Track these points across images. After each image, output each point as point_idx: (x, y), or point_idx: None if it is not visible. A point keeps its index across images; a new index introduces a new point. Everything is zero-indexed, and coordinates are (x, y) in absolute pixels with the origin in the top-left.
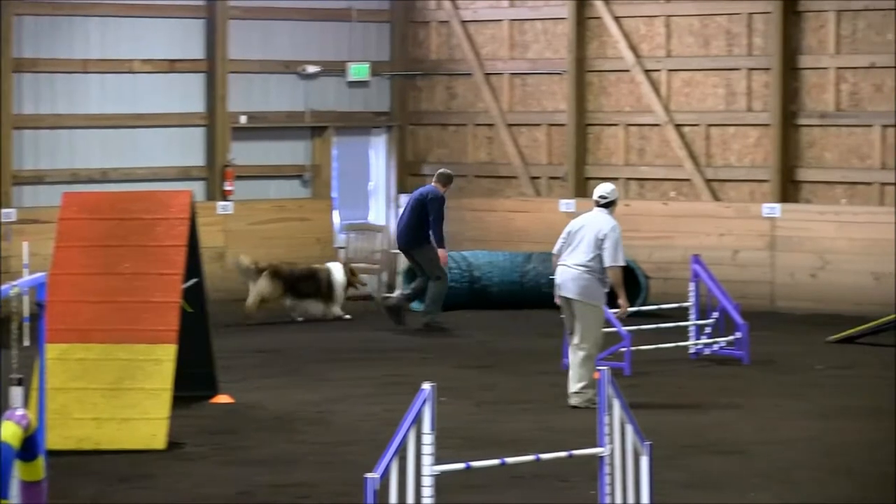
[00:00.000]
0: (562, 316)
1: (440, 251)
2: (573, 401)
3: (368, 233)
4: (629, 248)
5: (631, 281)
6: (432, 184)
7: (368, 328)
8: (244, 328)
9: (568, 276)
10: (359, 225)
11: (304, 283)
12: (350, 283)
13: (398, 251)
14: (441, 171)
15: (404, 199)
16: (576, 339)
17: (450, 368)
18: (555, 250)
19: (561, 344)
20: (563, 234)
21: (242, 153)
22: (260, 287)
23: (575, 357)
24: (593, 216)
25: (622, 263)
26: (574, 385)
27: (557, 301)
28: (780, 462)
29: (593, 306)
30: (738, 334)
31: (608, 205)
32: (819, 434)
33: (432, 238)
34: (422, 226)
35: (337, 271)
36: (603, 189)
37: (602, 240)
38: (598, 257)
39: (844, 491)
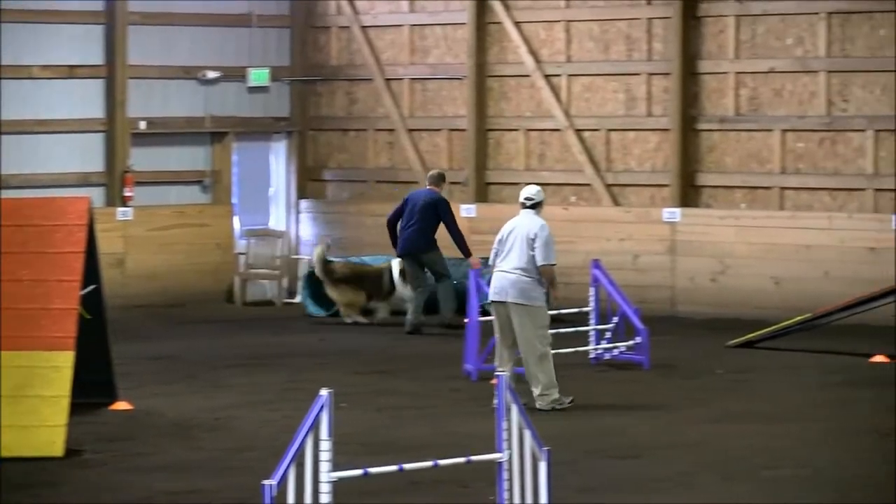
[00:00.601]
0: (492, 320)
1: (471, 259)
2: (539, 404)
3: (269, 238)
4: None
5: None
6: (428, 188)
7: (268, 333)
8: (142, 335)
9: (506, 281)
10: (259, 231)
11: (376, 285)
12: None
13: (400, 256)
14: (433, 172)
15: (305, 205)
16: (522, 344)
17: (350, 374)
18: (490, 261)
19: (462, 349)
20: (496, 242)
21: (142, 159)
22: (348, 298)
23: (528, 363)
24: (521, 219)
25: (553, 261)
26: (536, 391)
27: (490, 306)
28: (679, 466)
29: (536, 307)
30: (639, 339)
31: (535, 206)
32: (718, 438)
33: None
34: (432, 230)
35: (396, 269)
36: (529, 191)
37: (533, 240)
38: (532, 259)
39: (744, 495)
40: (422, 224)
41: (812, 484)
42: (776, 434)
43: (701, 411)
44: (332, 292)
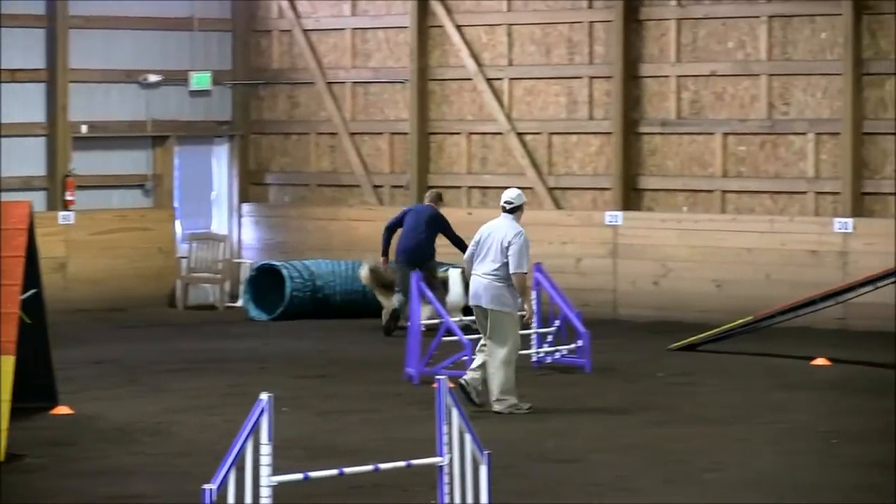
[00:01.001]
0: (474, 323)
1: None
2: (496, 407)
3: (211, 242)
4: None
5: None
6: (427, 203)
7: (210, 337)
8: (83, 340)
9: (480, 285)
10: (201, 234)
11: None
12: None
13: (400, 263)
14: (433, 191)
15: (247, 208)
16: (490, 346)
17: (291, 378)
18: (465, 257)
19: (404, 353)
20: (473, 243)
21: (84, 163)
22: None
23: (491, 364)
24: (499, 223)
25: (525, 270)
26: (494, 393)
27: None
28: (620, 470)
29: (506, 313)
30: (580, 342)
31: (514, 210)
32: (660, 441)
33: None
34: (433, 242)
35: (457, 279)
36: (508, 195)
37: (507, 247)
38: (505, 265)
39: (685, 498)
40: (428, 235)
41: (753, 487)
42: (718, 437)
43: (642, 415)
44: (383, 299)
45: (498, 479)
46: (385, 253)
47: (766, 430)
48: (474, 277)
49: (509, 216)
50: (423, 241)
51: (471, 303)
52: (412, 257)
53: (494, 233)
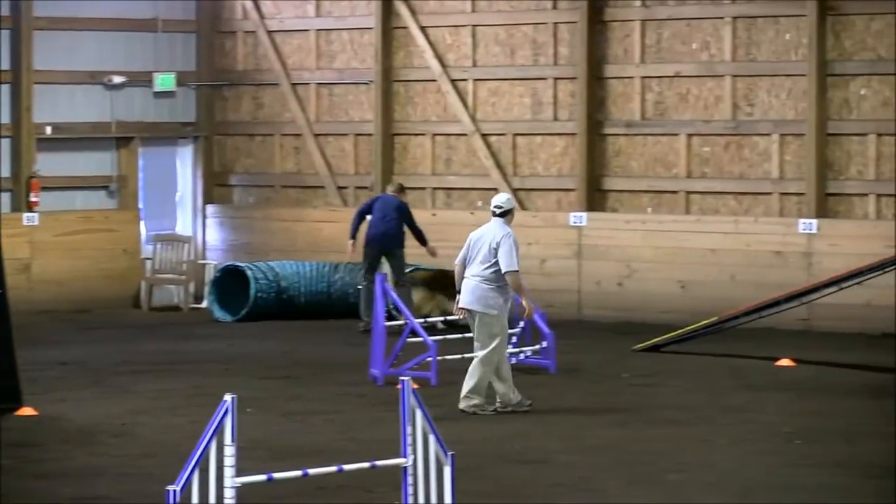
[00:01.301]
0: (465, 323)
1: (429, 246)
2: (461, 405)
3: (175, 243)
4: (439, 258)
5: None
6: (391, 193)
7: (174, 339)
8: (48, 341)
9: (467, 287)
10: (166, 236)
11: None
12: None
13: (369, 249)
14: (396, 183)
15: (212, 210)
16: (475, 345)
17: (255, 379)
18: (457, 261)
19: (368, 354)
20: (465, 246)
21: (48, 164)
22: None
23: (473, 364)
24: (489, 227)
25: (516, 268)
26: (463, 390)
27: (458, 313)
28: (583, 471)
29: (491, 315)
30: (545, 343)
31: (504, 214)
32: (623, 442)
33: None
34: (402, 230)
35: None
36: (498, 199)
37: (496, 248)
38: (494, 266)
39: (648, 498)
40: (398, 222)
41: (717, 487)
42: (681, 437)
43: (606, 415)
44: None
45: (462, 481)
46: (353, 236)
47: (729, 430)
48: (464, 280)
49: (499, 220)
50: (392, 228)
51: (460, 306)
52: (382, 243)
53: (485, 236)
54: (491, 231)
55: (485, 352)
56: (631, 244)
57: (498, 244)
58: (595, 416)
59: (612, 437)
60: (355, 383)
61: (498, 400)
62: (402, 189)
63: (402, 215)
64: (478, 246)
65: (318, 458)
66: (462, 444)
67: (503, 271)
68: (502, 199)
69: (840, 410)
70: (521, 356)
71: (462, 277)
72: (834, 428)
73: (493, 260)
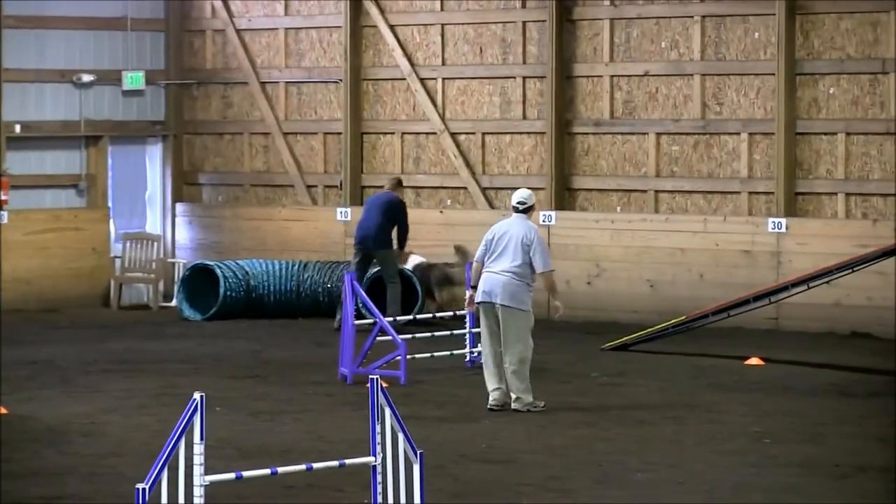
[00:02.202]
0: (479, 323)
1: (405, 251)
2: (514, 406)
3: (145, 242)
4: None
5: (408, 290)
6: (387, 190)
7: (143, 338)
8: (16, 340)
9: (497, 282)
10: (135, 234)
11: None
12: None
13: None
14: (393, 177)
15: (181, 209)
16: (507, 344)
17: (223, 379)
18: (476, 258)
19: (337, 353)
20: (484, 242)
21: (17, 163)
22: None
23: (508, 363)
24: (514, 222)
25: (553, 268)
26: (512, 391)
27: (470, 308)
28: (552, 470)
29: (523, 311)
30: None
31: (527, 210)
32: (592, 441)
33: (395, 242)
34: (390, 229)
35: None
36: (521, 195)
37: (529, 245)
38: (526, 263)
39: (616, 498)
40: (380, 223)
41: (685, 487)
42: (649, 437)
43: (575, 415)
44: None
45: (430, 480)
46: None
47: (698, 430)
48: (488, 275)
49: (522, 216)
50: (371, 230)
51: (481, 300)
52: (365, 245)
53: (511, 230)
54: (517, 227)
55: (522, 348)
56: (600, 243)
57: (531, 241)
58: (563, 415)
59: (580, 436)
60: (324, 382)
61: (496, 397)
62: (397, 184)
63: (389, 213)
64: (503, 242)
65: (286, 457)
66: (428, 443)
67: (539, 271)
68: (525, 194)
69: (808, 410)
70: None
71: (479, 274)
72: (803, 428)
73: (525, 257)
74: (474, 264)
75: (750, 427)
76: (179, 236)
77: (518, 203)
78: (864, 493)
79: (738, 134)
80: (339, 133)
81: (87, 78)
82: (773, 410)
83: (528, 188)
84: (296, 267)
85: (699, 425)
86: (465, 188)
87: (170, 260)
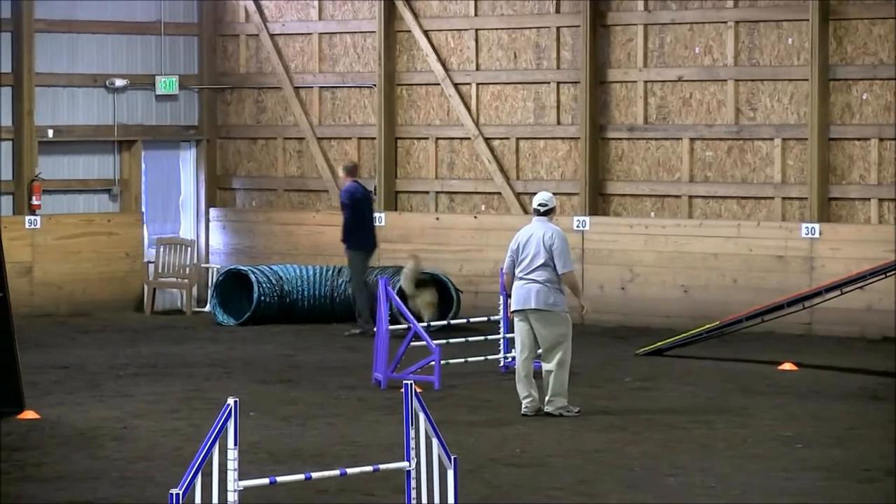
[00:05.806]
0: (514, 332)
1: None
2: (547, 408)
3: (178, 247)
4: (441, 262)
5: (443, 295)
6: (345, 177)
7: (175, 342)
8: (49, 344)
9: (528, 290)
10: (168, 239)
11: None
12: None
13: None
14: (350, 162)
15: (215, 213)
16: (546, 348)
17: (255, 383)
18: (504, 268)
19: (369, 358)
20: (510, 250)
21: (50, 167)
22: (428, 300)
23: (547, 365)
24: (537, 226)
25: (573, 268)
26: (548, 394)
27: (513, 315)
28: (582, 474)
29: (559, 314)
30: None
31: (548, 212)
32: (623, 445)
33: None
34: (347, 226)
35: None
36: (542, 197)
37: (551, 247)
38: (551, 266)
39: (642, 500)
40: (346, 216)
41: (716, 492)
42: (681, 441)
43: (607, 419)
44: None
45: (462, 484)
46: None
47: (728, 434)
48: (519, 283)
49: (543, 218)
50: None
51: (515, 308)
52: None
53: (535, 236)
54: (539, 230)
55: (561, 352)
56: (633, 248)
57: (552, 243)
58: (595, 420)
59: (611, 440)
60: (355, 387)
61: (528, 404)
62: (351, 170)
63: (352, 204)
64: (528, 248)
65: (318, 461)
66: (460, 447)
67: (560, 272)
68: (546, 196)
69: (838, 414)
70: None
71: (511, 283)
72: (833, 432)
73: (551, 261)
74: (505, 276)
75: (780, 431)
76: (213, 241)
77: (539, 205)
78: (894, 497)
79: (772, 139)
80: (373, 138)
81: (119, 82)
82: (803, 414)
83: (562, 193)
84: (330, 272)
85: (729, 429)
86: (498, 193)
87: (203, 265)
